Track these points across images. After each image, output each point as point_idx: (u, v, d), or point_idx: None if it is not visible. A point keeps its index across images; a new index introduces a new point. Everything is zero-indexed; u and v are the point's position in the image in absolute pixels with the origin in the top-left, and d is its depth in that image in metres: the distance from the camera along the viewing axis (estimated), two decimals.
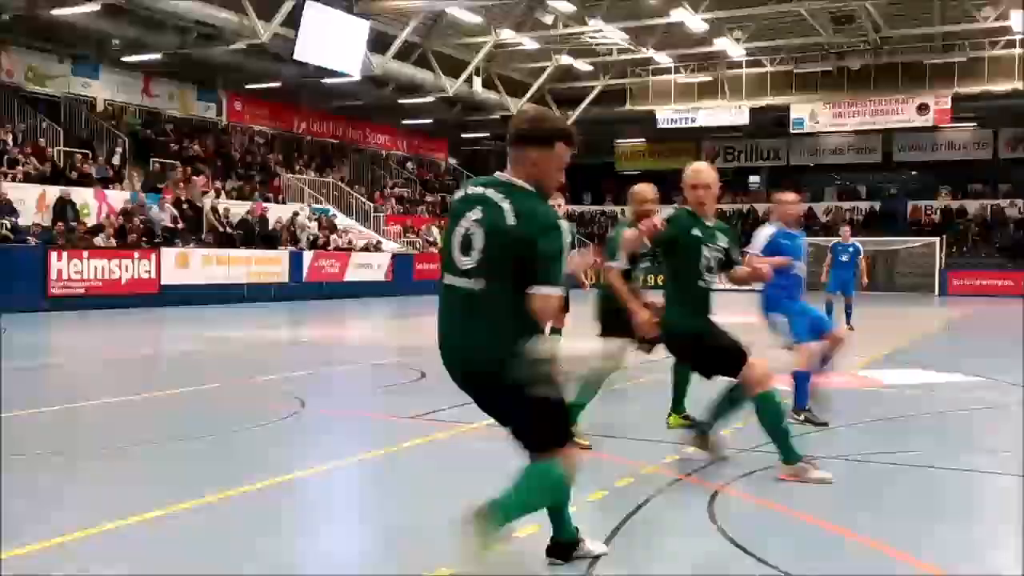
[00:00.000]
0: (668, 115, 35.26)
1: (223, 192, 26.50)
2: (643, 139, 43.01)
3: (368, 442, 6.67)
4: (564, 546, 3.84)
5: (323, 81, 29.13)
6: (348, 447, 6.53)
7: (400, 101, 33.35)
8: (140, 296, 20.24)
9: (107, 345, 13.55)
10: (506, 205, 3.32)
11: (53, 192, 21.29)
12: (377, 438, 6.77)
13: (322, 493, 5.33)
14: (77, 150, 24.33)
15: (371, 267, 27.34)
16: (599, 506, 4.79)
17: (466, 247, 3.37)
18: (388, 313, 21.78)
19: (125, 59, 27.06)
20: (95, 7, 21.96)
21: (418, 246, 31.24)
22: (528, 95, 34.93)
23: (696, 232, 5.39)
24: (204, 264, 22.34)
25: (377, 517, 4.89)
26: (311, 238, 26.63)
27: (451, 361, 3.50)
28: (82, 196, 21.92)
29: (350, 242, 28.05)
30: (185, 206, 24.02)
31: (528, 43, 31.38)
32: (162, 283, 21.03)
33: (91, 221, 21.53)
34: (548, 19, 28.80)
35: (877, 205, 40.17)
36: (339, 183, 32.24)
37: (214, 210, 24.74)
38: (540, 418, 3.40)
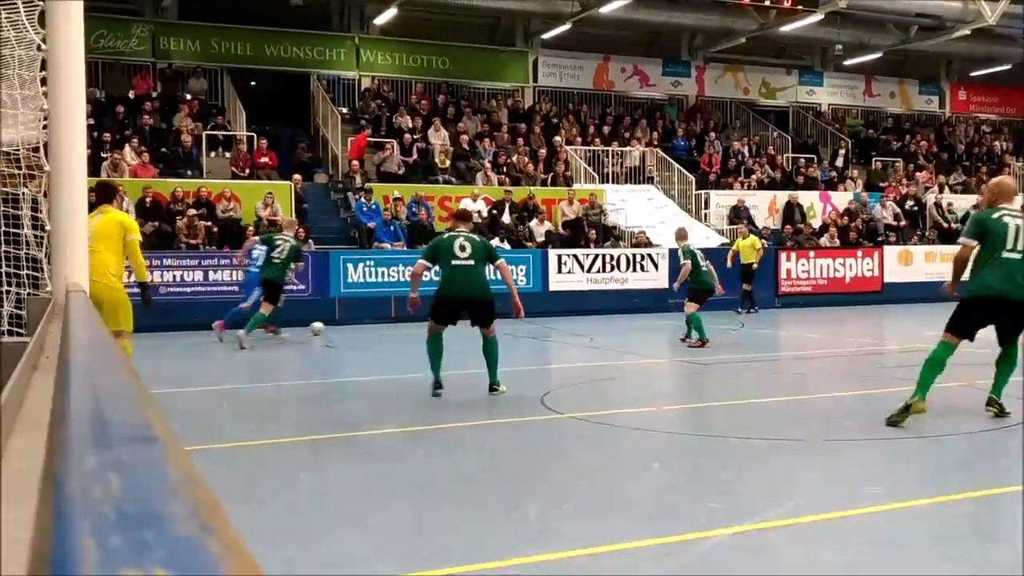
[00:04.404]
0: None
1: (946, 186, 25.68)
2: None
3: None
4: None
5: None
6: None
7: None
8: (863, 294, 20.71)
9: (831, 341, 14.25)
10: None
11: (782, 197, 22.92)
12: None
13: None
14: (803, 155, 25.78)
15: None
16: None
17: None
18: None
19: (847, 63, 27.83)
20: (818, 17, 23.06)
21: None
22: None
23: None
24: (927, 261, 21.96)
25: None
26: None
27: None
28: (808, 199, 23.21)
29: None
30: (909, 203, 23.88)
31: None
32: (885, 281, 21.24)
33: (816, 222, 22.67)
34: None
35: None
36: None
37: (937, 205, 24.14)
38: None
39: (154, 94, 20.56)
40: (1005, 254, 6.62)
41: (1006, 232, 6.67)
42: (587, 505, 4.99)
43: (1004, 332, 6.92)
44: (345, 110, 22.16)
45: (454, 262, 8.27)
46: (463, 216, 9.30)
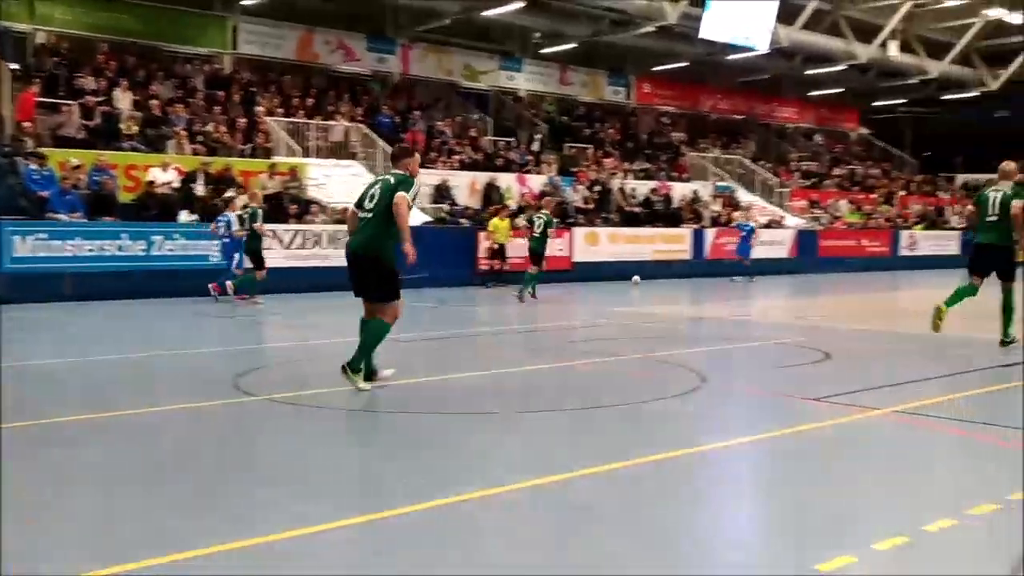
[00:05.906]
0: None
1: (630, 173, 27.60)
2: None
3: (768, 421, 6.81)
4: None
5: (728, 57, 29.21)
6: (746, 426, 6.74)
7: (808, 72, 32.44)
8: (555, 272, 21.75)
9: (525, 317, 14.86)
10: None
11: (482, 177, 23.57)
12: (777, 418, 6.88)
13: (717, 469, 5.61)
14: (502, 138, 26.63)
15: (774, 244, 27.00)
16: None
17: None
18: (791, 291, 21.49)
19: (544, 51, 29.09)
20: (520, 4, 23.86)
21: (823, 221, 30.18)
22: (951, 55, 32.27)
23: None
24: (612, 242, 23.50)
25: (771, 500, 5.09)
26: (713, 216, 26.87)
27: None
28: (506, 180, 24.04)
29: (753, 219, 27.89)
30: (596, 188, 25.39)
31: None
32: (574, 260, 22.48)
33: (513, 204, 23.51)
34: None
35: None
36: (744, 159, 32.09)
37: (621, 190, 25.87)
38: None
39: None
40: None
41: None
42: (287, 489, 4.85)
43: None
44: (16, 66, 20.03)
45: (360, 214, 7.22)
46: (396, 155, 7.73)
